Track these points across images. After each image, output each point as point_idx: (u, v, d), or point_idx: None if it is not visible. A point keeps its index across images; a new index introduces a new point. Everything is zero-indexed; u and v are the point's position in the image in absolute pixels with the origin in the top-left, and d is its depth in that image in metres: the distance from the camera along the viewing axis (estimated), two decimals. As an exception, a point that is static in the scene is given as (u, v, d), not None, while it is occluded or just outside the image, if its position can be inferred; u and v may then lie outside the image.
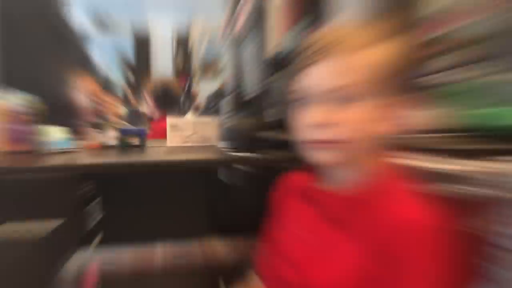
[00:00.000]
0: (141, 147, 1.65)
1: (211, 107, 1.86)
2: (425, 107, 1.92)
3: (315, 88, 0.67)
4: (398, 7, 2.00)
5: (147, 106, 2.53)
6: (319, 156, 0.69)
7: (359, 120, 0.66)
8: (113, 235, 1.48)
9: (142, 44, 4.77)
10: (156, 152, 1.61)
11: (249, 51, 1.70)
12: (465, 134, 1.75)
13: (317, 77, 0.67)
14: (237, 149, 1.48)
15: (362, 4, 2.05)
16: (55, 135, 1.54)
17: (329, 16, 1.65)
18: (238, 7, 1.72)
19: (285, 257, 0.76)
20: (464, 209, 0.71)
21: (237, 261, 1.51)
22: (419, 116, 1.77)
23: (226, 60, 2.05)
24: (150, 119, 2.55)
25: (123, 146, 1.63)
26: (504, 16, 1.17)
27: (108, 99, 2.35)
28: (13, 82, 1.59)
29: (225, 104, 1.66)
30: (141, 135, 1.66)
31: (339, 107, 0.65)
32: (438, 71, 2.49)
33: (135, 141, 1.64)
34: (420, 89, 1.85)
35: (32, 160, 1.39)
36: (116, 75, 4.71)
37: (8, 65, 1.60)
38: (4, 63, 1.60)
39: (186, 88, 4.67)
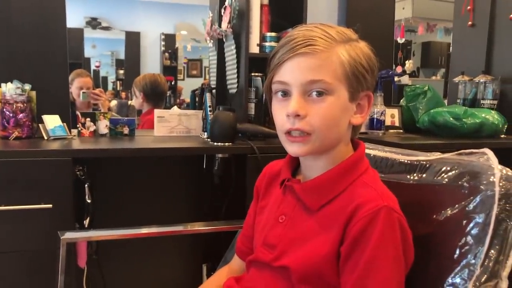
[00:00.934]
0: (130, 136, 1.77)
1: (195, 101, 1.97)
2: (391, 105, 2.06)
3: (291, 81, 0.72)
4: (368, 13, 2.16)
5: (136, 100, 2.65)
6: (292, 147, 0.75)
7: (330, 113, 0.71)
8: (101, 219, 1.56)
9: (133, 43, 4.91)
10: (144, 140, 1.73)
11: (232, 49, 1.80)
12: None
13: (294, 71, 0.72)
14: (218, 139, 1.60)
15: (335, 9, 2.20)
16: (51, 123, 1.63)
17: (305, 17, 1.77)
18: (222, 8, 1.81)
19: (263, 240, 0.82)
20: (420, 195, 0.80)
21: (219, 244, 1.59)
22: (386, 112, 1.92)
23: (210, 57, 2.16)
24: (139, 112, 2.67)
25: (114, 135, 1.76)
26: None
27: (101, 92, 2.46)
28: (11, 72, 1.65)
29: (208, 98, 1.78)
30: (130, 125, 1.78)
31: (313, 100, 0.71)
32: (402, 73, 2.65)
33: (125, 130, 1.77)
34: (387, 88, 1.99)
35: (27, 145, 1.48)
36: (109, 71, 4.88)
37: (5, 55, 1.67)
38: (2, 53, 1.67)
39: (173, 83, 4.80)
